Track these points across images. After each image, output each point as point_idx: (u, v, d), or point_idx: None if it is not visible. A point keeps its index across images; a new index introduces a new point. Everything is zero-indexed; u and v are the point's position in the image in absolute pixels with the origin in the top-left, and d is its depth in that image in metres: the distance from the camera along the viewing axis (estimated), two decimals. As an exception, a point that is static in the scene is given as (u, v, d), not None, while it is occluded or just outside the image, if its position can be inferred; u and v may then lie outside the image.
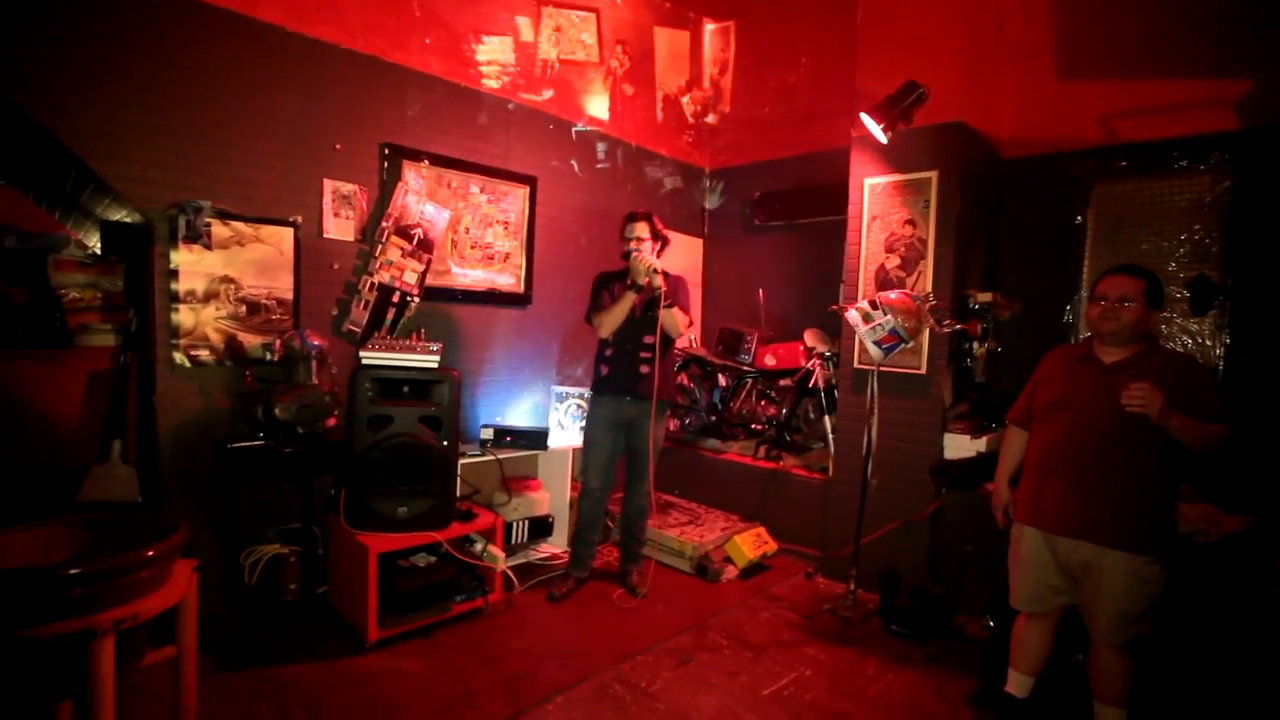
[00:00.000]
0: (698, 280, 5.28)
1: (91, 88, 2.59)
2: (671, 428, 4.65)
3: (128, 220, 2.90)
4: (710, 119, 5.17)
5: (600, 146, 4.47)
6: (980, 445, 3.22)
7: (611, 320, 3.11)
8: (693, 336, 5.05)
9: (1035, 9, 3.65)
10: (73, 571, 1.58)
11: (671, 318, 3.06)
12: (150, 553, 1.72)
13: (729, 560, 3.64)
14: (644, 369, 3.11)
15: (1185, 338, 3.28)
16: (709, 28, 5.13)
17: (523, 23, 3.97)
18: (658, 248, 3.24)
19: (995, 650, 2.59)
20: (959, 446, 3.27)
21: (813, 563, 3.75)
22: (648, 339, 3.12)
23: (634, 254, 3.09)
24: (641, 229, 3.18)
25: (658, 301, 3.03)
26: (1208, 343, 3.23)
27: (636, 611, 3.15)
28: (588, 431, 3.28)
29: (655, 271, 2.99)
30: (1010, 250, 3.83)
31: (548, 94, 4.12)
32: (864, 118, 3.21)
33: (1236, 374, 3.13)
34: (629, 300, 3.07)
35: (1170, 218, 3.32)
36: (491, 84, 3.84)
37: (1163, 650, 2.33)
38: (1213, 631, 2.38)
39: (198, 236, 2.82)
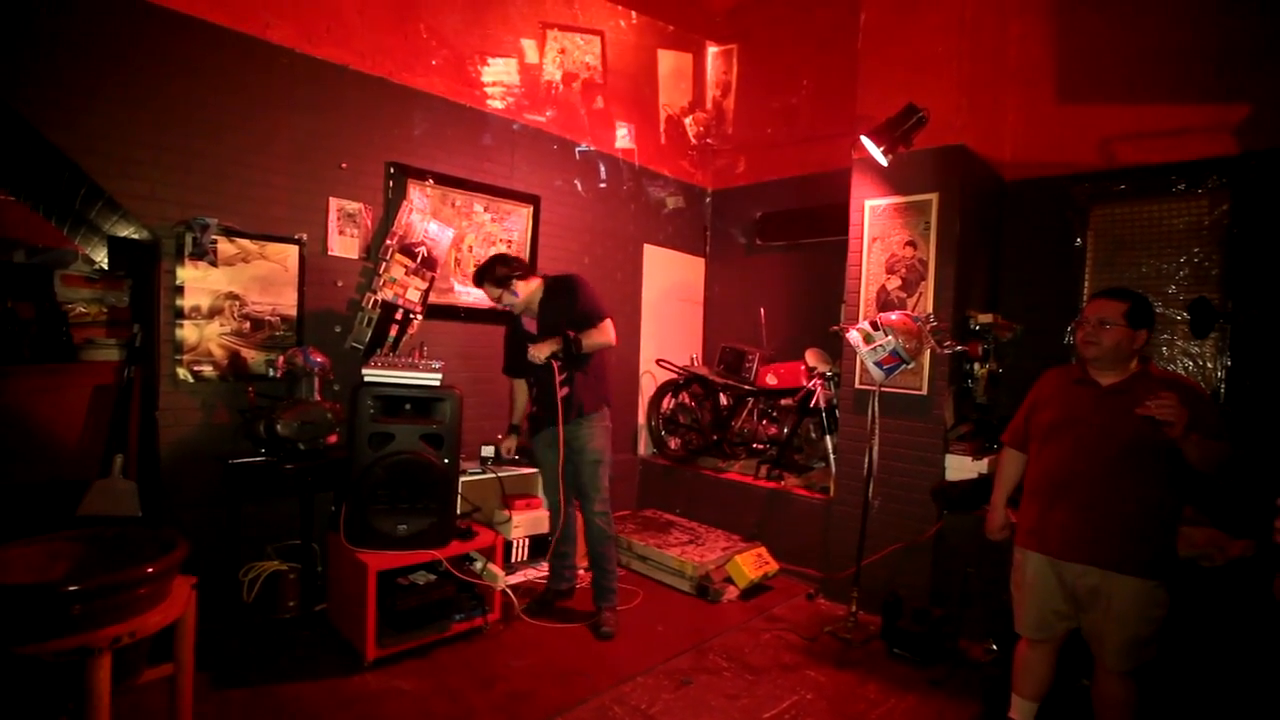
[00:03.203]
0: (699, 299, 5.30)
1: (103, 106, 2.63)
2: (673, 446, 4.65)
3: (135, 237, 2.93)
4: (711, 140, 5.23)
5: (602, 167, 4.51)
6: (982, 466, 3.21)
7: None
8: (694, 355, 5.06)
9: (1035, 35, 3.71)
10: (72, 588, 1.58)
11: (592, 344, 2.97)
12: (150, 569, 1.72)
13: (730, 580, 3.62)
14: (564, 390, 3.05)
15: (1186, 360, 3.29)
16: (711, 50, 5.21)
17: (528, 45, 4.03)
18: (526, 283, 3.09)
19: (999, 674, 2.56)
20: (961, 468, 3.26)
21: (814, 583, 3.72)
22: (557, 364, 3.02)
23: (530, 353, 2.94)
24: (490, 291, 3.09)
25: (567, 358, 2.96)
26: (1209, 365, 3.23)
27: (636, 632, 3.12)
28: (535, 453, 3.39)
29: (551, 359, 2.92)
30: (1011, 271, 3.85)
31: (551, 114, 4.17)
32: (864, 140, 3.24)
33: (1239, 397, 3.13)
34: (512, 441, 3.36)
35: (1169, 241, 3.34)
36: (496, 105, 3.89)
37: (1169, 675, 2.31)
38: (1218, 656, 2.36)
39: (204, 253, 2.84)
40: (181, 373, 2.84)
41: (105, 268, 3.33)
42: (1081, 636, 2.16)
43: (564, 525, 3.32)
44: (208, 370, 2.90)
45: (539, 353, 2.92)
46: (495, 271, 3.07)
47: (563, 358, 2.95)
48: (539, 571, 3.65)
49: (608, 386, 3.21)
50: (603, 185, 4.52)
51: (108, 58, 2.64)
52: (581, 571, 3.65)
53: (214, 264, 2.89)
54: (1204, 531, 2.52)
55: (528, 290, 3.11)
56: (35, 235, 3.46)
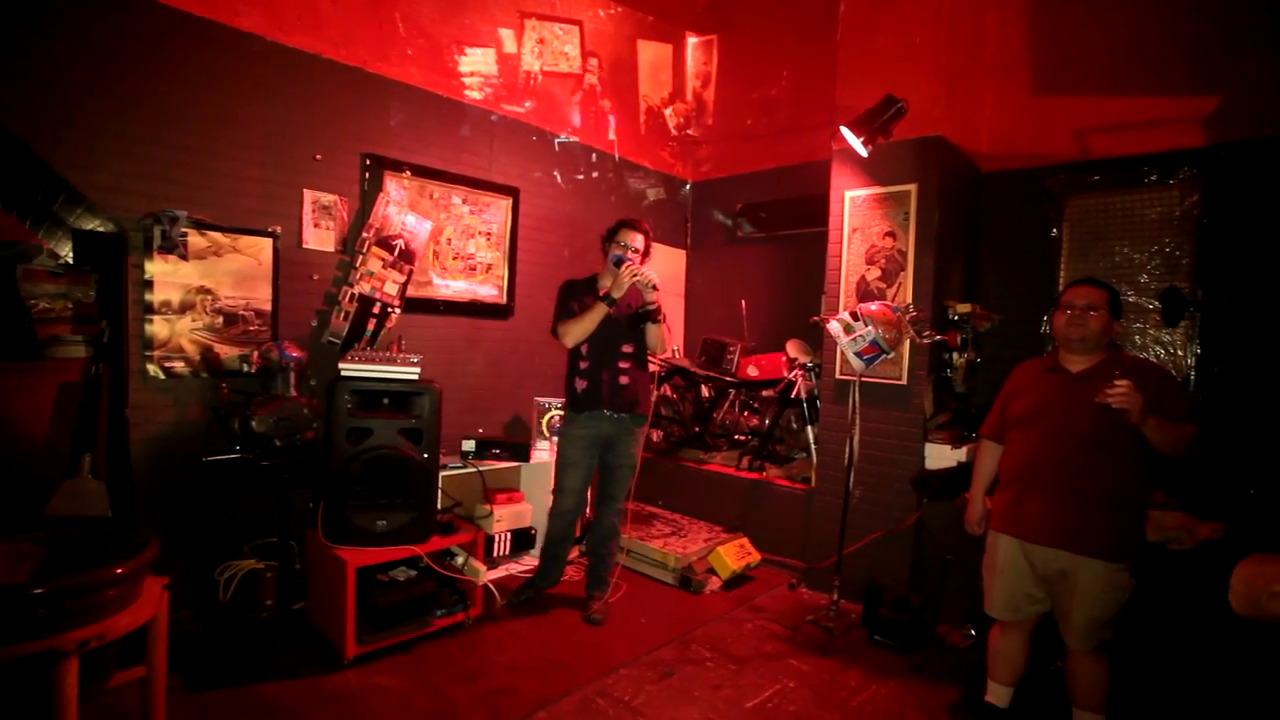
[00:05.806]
0: (680, 291, 5.29)
1: (66, 96, 2.55)
2: (654, 438, 4.65)
3: (101, 230, 2.85)
4: (692, 131, 5.21)
5: (582, 158, 4.48)
6: (961, 455, 3.25)
7: (581, 331, 2.97)
8: (675, 347, 5.06)
9: (1011, 28, 3.73)
10: (37, 591, 1.54)
11: (660, 334, 3.05)
12: (119, 570, 1.68)
13: (712, 571, 3.63)
14: (624, 379, 3.04)
15: (1158, 348, 3.35)
16: (691, 41, 5.18)
17: (506, 35, 3.98)
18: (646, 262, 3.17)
19: (978, 659, 2.60)
20: (940, 456, 3.30)
21: (796, 573, 3.74)
22: (627, 348, 3.06)
23: (629, 264, 2.96)
24: (638, 240, 3.08)
25: (647, 315, 3.01)
26: (1179, 353, 3.29)
27: (619, 624, 3.12)
28: (563, 451, 3.12)
29: (654, 287, 2.95)
30: (989, 262, 3.89)
31: (530, 105, 4.13)
32: (844, 131, 3.25)
33: (1207, 383, 3.19)
34: (600, 312, 2.94)
35: (1142, 231, 3.39)
36: (474, 95, 3.84)
37: (1141, 656, 2.35)
38: (1189, 637, 2.41)
39: (173, 247, 2.78)
40: (152, 369, 2.78)
41: (70, 262, 3.24)
42: (1054, 619, 2.20)
43: (565, 531, 3.24)
44: (179, 366, 2.84)
45: (648, 277, 2.95)
46: (650, 244, 3.17)
47: (642, 307, 3.00)
48: (521, 566, 3.64)
49: (650, 401, 3.30)
50: (581, 177, 4.49)
51: (71, 46, 2.55)
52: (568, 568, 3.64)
53: (184, 258, 2.82)
54: (1174, 515, 2.57)
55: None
56: (-4, 229, 3.35)
